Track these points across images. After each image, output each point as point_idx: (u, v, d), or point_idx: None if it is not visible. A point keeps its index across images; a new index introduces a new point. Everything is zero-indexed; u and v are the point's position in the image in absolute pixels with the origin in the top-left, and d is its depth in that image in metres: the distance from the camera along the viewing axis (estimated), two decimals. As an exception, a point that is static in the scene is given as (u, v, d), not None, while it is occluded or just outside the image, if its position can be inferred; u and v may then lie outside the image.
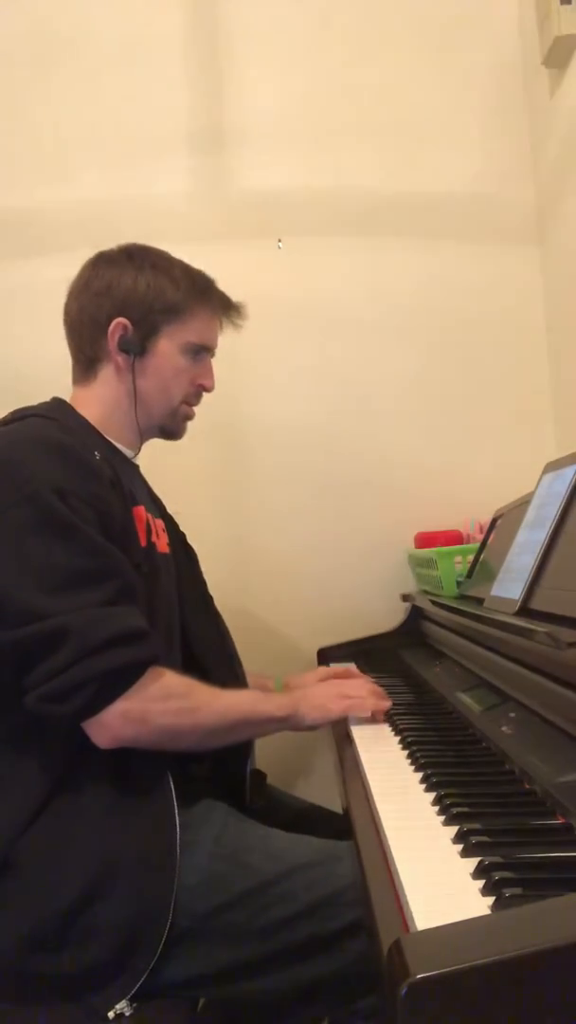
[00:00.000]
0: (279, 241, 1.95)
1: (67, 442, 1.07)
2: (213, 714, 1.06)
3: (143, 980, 0.92)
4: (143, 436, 1.24)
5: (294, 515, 1.92)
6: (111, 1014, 0.91)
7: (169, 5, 1.96)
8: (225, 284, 1.28)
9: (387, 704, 1.21)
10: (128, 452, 1.23)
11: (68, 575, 0.98)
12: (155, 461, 1.35)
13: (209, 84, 1.97)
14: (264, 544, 1.92)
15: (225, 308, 1.26)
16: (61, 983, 0.94)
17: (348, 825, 0.87)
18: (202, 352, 1.24)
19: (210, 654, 1.26)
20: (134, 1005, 0.92)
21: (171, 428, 1.26)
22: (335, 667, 1.54)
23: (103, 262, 1.21)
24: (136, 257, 1.20)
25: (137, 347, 1.18)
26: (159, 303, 1.18)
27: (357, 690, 1.22)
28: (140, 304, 1.17)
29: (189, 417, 1.27)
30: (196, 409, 1.28)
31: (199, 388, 1.25)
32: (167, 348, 1.20)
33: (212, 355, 1.27)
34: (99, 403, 1.20)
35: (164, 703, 1.00)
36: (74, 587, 0.97)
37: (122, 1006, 0.91)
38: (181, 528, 1.38)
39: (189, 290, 1.20)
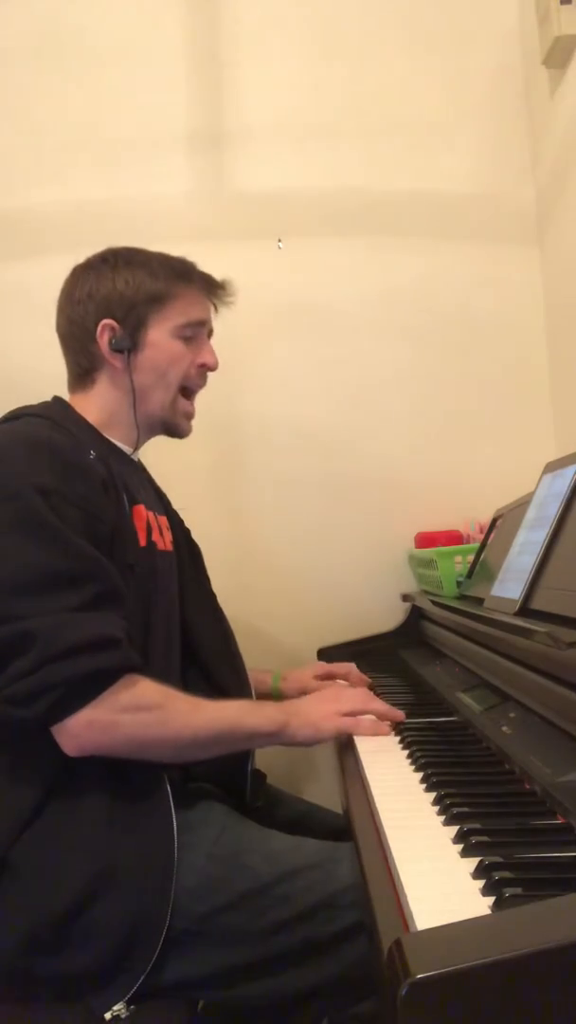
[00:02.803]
0: (279, 241, 1.95)
1: (57, 441, 1.06)
2: (188, 728, 1.01)
3: (141, 981, 0.92)
4: (143, 434, 1.24)
5: (294, 515, 1.92)
6: (108, 1015, 0.91)
7: (169, 5, 1.96)
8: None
9: (386, 728, 1.12)
10: (127, 450, 1.22)
11: (41, 577, 0.96)
12: (155, 460, 1.35)
13: (209, 84, 1.97)
14: (264, 544, 1.92)
15: (209, 286, 1.24)
16: (59, 984, 0.94)
17: (348, 825, 0.87)
18: (196, 331, 1.22)
19: (212, 651, 1.26)
20: (131, 1008, 0.92)
21: (172, 423, 1.24)
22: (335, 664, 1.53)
23: (81, 271, 1.21)
24: (111, 259, 1.20)
25: (128, 344, 1.17)
26: (141, 295, 1.17)
27: (353, 702, 1.15)
28: (123, 301, 1.17)
29: (189, 415, 1.26)
30: (197, 408, 1.27)
31: (201, 368, 1.24)
32: (158, 337, 1.19)
33: (209, 333, 1.26)
34: (99, 406, 1.19)
35: (134, 714, 0.97)
36: (47, 590, 0.96)
37: (119, 1008, 0.91)
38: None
39: (168, 276, 1.19)
